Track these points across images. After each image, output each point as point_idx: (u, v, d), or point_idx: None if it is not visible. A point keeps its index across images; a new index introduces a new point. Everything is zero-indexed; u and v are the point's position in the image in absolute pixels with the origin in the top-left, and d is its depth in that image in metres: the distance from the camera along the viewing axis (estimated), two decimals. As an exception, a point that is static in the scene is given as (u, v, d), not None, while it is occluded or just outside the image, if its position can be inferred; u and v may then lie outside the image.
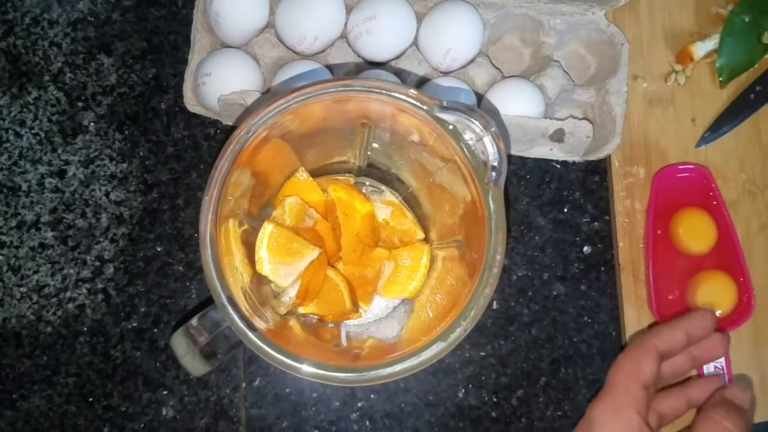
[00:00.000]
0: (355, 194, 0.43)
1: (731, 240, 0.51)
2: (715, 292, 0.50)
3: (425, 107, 0.33)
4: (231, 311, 0.31)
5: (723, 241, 0.52)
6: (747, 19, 0.54)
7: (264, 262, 0.40)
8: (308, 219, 0.44)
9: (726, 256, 0.51)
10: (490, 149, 0.32)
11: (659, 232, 0.52)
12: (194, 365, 0.36)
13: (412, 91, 0.33)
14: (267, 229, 0.41)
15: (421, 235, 0.46)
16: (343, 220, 0.42)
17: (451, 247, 0.42)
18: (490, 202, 0.33)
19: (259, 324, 0.33)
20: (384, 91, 0.32)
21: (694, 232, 0.52)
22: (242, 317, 0.31)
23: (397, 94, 0.32)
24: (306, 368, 0.31)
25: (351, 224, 0.42)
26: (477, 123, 0.32)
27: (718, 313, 0.50)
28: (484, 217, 0.32)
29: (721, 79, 0.55)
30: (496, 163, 0.32)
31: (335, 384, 0.31)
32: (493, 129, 0.32)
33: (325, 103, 0.34)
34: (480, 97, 0.51)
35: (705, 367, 0.49)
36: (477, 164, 0.33)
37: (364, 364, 0.33)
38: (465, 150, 0.33)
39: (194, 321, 0.35)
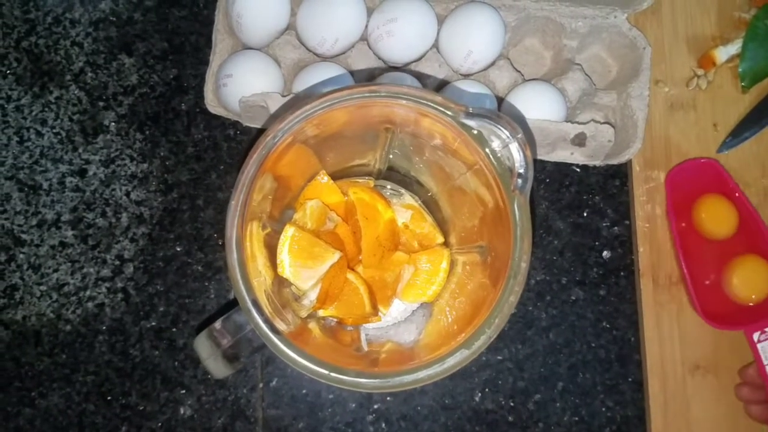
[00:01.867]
0: (377, 197, 0.43)
1: (755, 221, 0.51)
2: (750, 278, 0.51)
3: (450, 113, 0.33)
4: (255, 315, 0.31)
5: (746, 223, 0.52)
6: (770, 24, 0.54)
7: (285, 265, 0.40)
8: (329, 222, 0.44)
9: (753, 238, 0.52)
10: (516, 156, 0.32)
11: (683, 224, 0.53)
12: (217, 368, 0.36)
13: (439, 98, 0.32)
14: (288, 232, 0.41)
15: (440, 239, 0.46)
16: (363, 224, 0.42)
17: (473, 252, 0.41)
18: (516, 209, 0.32)
19: (281, 326, 0.33)
20: (410, 98, 0.32)
21: (716, 217, 0.52)
22: (266, 321, 0.31)
23: (423, 101, 0.32)
24: (331, 374, 0.31)
25: (372, 228, 0.42)
26: (504, 130, 0.32)
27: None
28: (509, 224, 0.32)
29: (743, 84, 0.54)
30: (522, 170, 0.32)
31: (358, 390, 0.31)
32: (519, 135, 0.32)
33: (349, 108, 0.34)
34: (500, 101, 0.51)
35: None
36: (503, 171, 0.33)
37: (386, 369, 0.33)
38: (491, 156, 0.33)
39: (218, 324, 0.35)
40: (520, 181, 0.32)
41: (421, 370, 0.32)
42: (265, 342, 0.31)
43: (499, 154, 0.33)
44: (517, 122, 0.33)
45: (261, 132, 0.47)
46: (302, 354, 0.31)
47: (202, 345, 0.35)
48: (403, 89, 0.32)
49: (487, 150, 0.33)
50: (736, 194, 0.52)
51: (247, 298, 0.31)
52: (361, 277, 0.44)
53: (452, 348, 0.32)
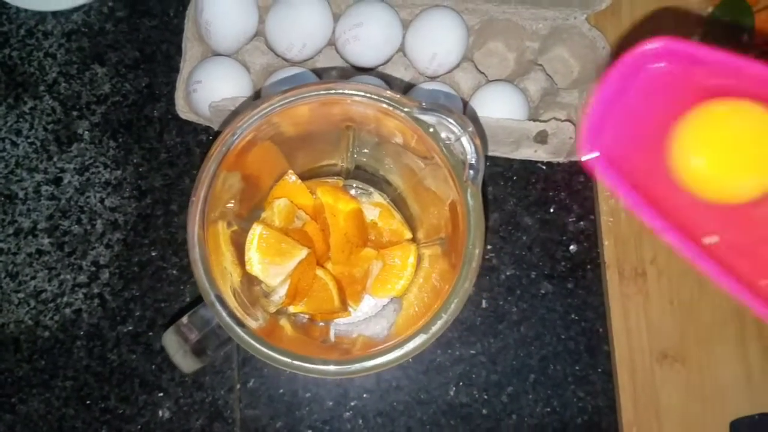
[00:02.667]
0: (341, 196, 0.44)
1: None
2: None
3: (405, 109, 0.34)
4: (219, 308, 0.32)
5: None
6: (727, 21, 0.55)
7: (253, 262, 0.41)
8: (297, 220, 0.45)
9: None
10: (467, 148, 0.33)
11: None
12: (185, 362, 0.36)
13: (392, 94, 0.34)
14: (256, 230, 0.41)
15: (408, 235, 0.47)
16: (331, 221, 0.43)
17: (435, 244, 0.43)
18: (469, 198, 0.34)
19: (250, 323, 0.34)
20: (365, 94, 0.34)
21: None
22: (231, 314, 0.32)
23: (377, 97, 0.34)
24: (293, 361, 0.32)
25: (339, 224, 0.43)
26: (454, 123, 0.33)
27: None
28: (463, 214, 0.34)
29: None
30: (473, 161, 0.33)
31: (321, 376, 0.32)
32: (470, 129, 0.33)
33: (310, 106, 0.35)
34: (465, 102, 0.52)
35: None
36: (456, 163, 0.34)
37: (350, 356, 0.34)
38: (444, 149, 0.34)
39: (185, 319, 0.36)
40: (471, 172, 0.33)
41: (382, 355, 0.33)
42: (229, 333, 0.32)
43: (451, 147, 0.34)
44: (471, 118, 0.35)
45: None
46: (264, 343, 0.32)
47: (170, 340, 0.36)
48: (358, 86, 0.33)
49: (440, 144, 0.34)
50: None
51: (210, 291, 0.32)
52: (330, 273, 0.45)
53: (411, 333, 0.33)
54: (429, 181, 0.40)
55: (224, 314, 0.32)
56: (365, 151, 0.44)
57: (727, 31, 0.55)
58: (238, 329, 0.32)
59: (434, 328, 0.33)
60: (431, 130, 0.34)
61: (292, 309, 0.43)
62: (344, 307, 0.44)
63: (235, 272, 0.39)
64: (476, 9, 0.54)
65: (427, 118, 0.34)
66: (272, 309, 0.40)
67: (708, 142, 0.28)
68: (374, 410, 0.52)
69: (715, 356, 0.52)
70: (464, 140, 0.33)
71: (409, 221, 0.48)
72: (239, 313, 0.34)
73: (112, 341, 0.52)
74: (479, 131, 0.36)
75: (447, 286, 0.35)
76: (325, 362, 0.32)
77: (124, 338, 0.52)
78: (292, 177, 0.45)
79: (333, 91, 0.33)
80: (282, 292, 0.41)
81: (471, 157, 0.33)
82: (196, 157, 0.55)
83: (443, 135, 0.34)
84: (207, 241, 0.33)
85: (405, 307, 0.45)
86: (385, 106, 0.34)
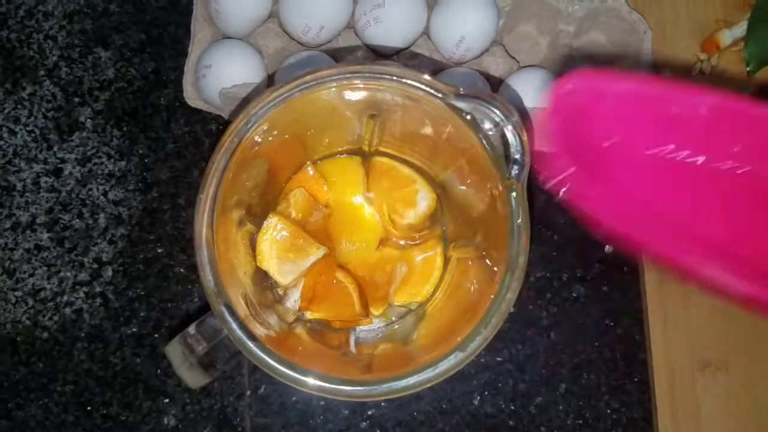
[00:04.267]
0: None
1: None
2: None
3: (440, 95, 0.30)
4: (228, 318, 0.29)
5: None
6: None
7: (266, 256, 0.38)
8: (316, 212, 0.42)
9: None
10: (512, 140, 0.30)
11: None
12: (192, 376, 0.33)
13: (426, 77, 0.30)
14: (271, 222, 0.39)
15: (436, 232, 0.44)
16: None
17: (468, 247, 0.39)
18: (512, 199, 0.30)
19: (261, 331, 0.30)
20: (394, 77, 0.30)
21: None
22: (241, 325, 0.29)
23: (408, 80, 0.30)
24: (311, 381, 0.29)
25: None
26: (497, 112, 0.29)
27: None
28: (504, 216, 0.30)
29: (749, 68, 0.52)
30: (518, 156, 0.30)
31: (343, 398, 0.29)
32: (515, 119, 0.29)
33: (330, 92, 0.31)
34: (498, 83, 0.49)
35: None
36: (497, 157, 0.30)
37: (375, 376, 0.31)
38: (484, 141, 0.30)
39: (192, 329, 0.33)
40: (516, 167, 0.30)
41: (413, 376, 0.29)
42: (239, 347, 0.29)
43: (492, 139, 0.30)
44: (513, 105, 0.31)
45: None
46: (279, 359, 0.29)
47: (175, 351, 0.33)
48: (388, 68, 0.30)
49: (480, 135, 0.30)
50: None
51: (219, 300, 0.29)
52: (350, 276, 0.42)
53: (446, 351, 0.30)
54: (463, 177, 0.36)
55: (234, 325, 0.29)
56: (390, 141, 0.40)
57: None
58: (248, 342, 0.29)
59: (472, 346, 0.29)
60: (469, 118, 0.30)
61: (309, 315, 0.40)
62: (366, 312, 0.41)
63: (246, 274, 0.35)
64: (507, -11, 0.51)
65: (465, 105, 0.30)
66: (291, 318, 0.37)
67: None
68: (393, 420, 0.49)
69: (761, 365, 0.49)
70: (508, 131, 0.29)
71: (436, 220, 0.45)
72: (250, 322, 0.30)
73: (115, 343, 0.50)
74: (524, 121, 0.33)
75: (483, 296, 0.31)
76: (347, 383, 0.29)
77: (128, 340, 0.50)
78: (310, 170, 0.42)
79: (359, 74, 0.30)
80: (296, 295, 0.38)
81: (516, 151, 0.30)
82: (206, 148, 0.52)
83: (484, 125, 0.30)
84: (216, 242, 0.30)
85: (430, 313, 0.42)
86: (418, 91, 0.30)
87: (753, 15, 0.52)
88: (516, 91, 0.47)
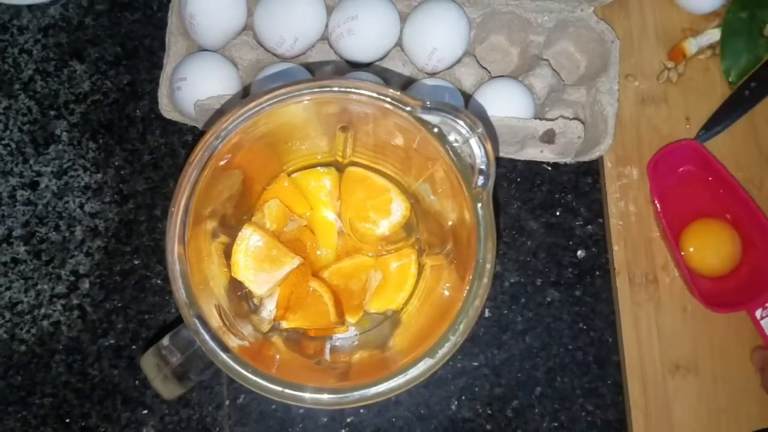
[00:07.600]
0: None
1: (743, 202, 0.50)
2: (707, 245, 0.51)
3: (408, 108, 0.31)
4: (201, 330, 0.29)
5: (735, 205, 0.51)
6: (744, 16, 0.53)
7: (240, 266, 0.38)
8: (291, 222, 0.42)
9: (745, 219, 0.51)
10: (477, 151, 0.30)
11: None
12: (166, 388, 0.33)
13: (393, 92, 0.31)
14: (246, 233, 0.39)
15: (410, 241, 0.45)
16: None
17: (439, 255, 0.40)
18: (479, 207, 0.31)
19: (235, 342, 0.31)
20: (363, 92, 0.31)
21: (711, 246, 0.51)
22: (213, 336, 0.29)
23: (376, 95, 0.31)
24: (284, 390, 0.29)
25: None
26: (462, 124, 0.30)
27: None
28: (472, 224, 0.31)
29: (730, 79, 0.53)
30: (483, 166, 0.30)
31: (317, 407, 0.29)
32: (479, 130, 0.30)
33: (302, 105, 0.32)
34: (467, 99, 0.50)
35: None
36: (463, 168, 0.31)
37: (348, 384, 0.31)
38: (450, 153, 0.31)
39: (165, 340, 0.33)
40: (481, 178, 0.30)
41: (383, 383, 0.30)
42: (212, 358, 0.29)
43: (459, 150, 0.31)
44: (479, 117, 0.32)
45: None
46: (252, 370, 0.29)
47: (149, 363, 0.33)
48: (356, 83, 0.30)
49: (446, 146, 0.31)
50: (721, 172, 0.51)
51: (191, 311, 0.29)
52: (325, 285, 0.42)
53: (415, 357, 0.30)
54: (433, 187, 0.37)
55: (207, 337, 0.29)
56: (363, 152, 0.41)
57: (746, 27, 0.53)
58: (221, 354, 0.29)
59: (441, 352, 0.30)
60: (436, 130, 0.31)
61: (285, 324, 0.40)
62: (341, 321, 0.42)
63: (220, 285, 0.36)
64: (478, 1, 0.52)
65: (432, 118, 0.31)
66: (266, 328, 0.37)
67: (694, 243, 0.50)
68: (372, 426, 0.49)
69: (729, 367, 0.50)
70: (473, 143, 0.30)
71: (411, 228, 0.45)
72: (223, 333, 0.31)
73: (93, 355, 0.50)
74: (489, 132, 0.33)
75: (453, 302, 0.32)
76: (320, 390, 0.29)
77: (106, 352, 0.50)
78: (285, 182, 0.42)
79: (328, 89, 0.30)
80: (271, 306, 0.38)
81: (481, 162, 0.30)
82: (181, 159, 0.52)
83: (451, 137, 0.31)
84: (188, 254, 0.30)
85: (405, 321, 0.43)
86: (385, 105, 0.31)
87: (724, 30, 0.53)
88: (481, 104, 0.48)
